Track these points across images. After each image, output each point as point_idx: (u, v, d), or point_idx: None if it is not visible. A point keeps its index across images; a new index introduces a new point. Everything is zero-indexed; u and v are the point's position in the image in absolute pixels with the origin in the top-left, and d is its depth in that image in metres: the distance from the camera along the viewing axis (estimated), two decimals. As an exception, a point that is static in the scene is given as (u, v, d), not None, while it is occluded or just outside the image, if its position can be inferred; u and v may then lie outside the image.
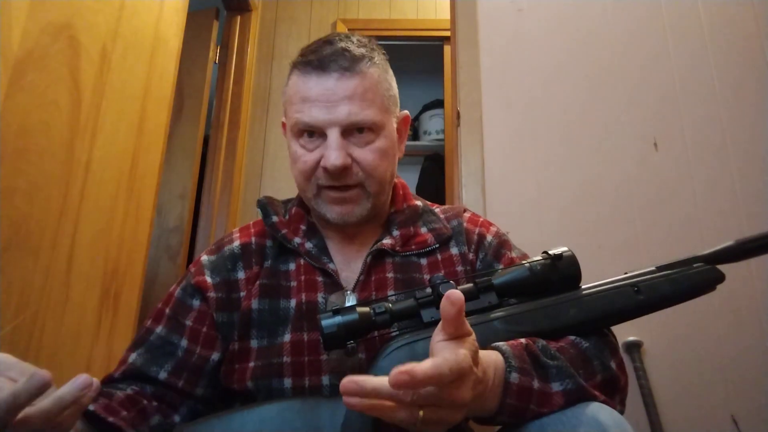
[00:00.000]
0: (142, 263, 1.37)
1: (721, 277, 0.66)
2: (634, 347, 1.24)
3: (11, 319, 0.92)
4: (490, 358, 0.56)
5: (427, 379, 0.44)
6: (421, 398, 0.46)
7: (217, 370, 0.75)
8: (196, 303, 0.76)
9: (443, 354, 0.47)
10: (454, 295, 0.48)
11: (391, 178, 0.81)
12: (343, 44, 0.75)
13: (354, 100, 0.73)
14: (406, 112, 0.86)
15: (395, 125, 0.81)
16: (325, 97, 0.73)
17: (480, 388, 0.52)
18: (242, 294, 0.77)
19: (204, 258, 0.81)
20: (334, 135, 0.73)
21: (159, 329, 0.76)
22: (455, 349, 0.48)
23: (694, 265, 0.66)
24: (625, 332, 1.25)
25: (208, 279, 0.77)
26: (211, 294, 0.76)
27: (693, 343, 1.25)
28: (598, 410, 0.55)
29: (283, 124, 0.86)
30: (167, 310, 0.77)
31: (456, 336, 0.50)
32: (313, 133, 0.74)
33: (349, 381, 0.45)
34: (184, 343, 0.74)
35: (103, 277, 1.21)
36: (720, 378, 1.22)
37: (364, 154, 0.74)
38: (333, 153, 0.72)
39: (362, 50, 0.76)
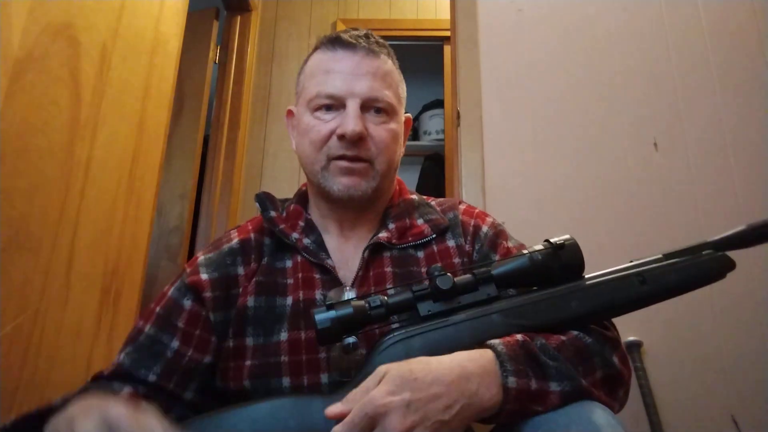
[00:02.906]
0: (142, 263, 1.37)
1: (731, 265, 0.62)
2: (634, 347, 1.24)
3: (11, 319, 0.92)
4: (478, 362, 0.55)
5: None
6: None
7: (208, 373, 0.73)
8: (187, 303, 0.74)
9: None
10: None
11: (396, 166, 0.83)
12: (367, 33, 0.82)
13: (376, 78, 0.78)
14: (409, 114, 0.88)
15: (402, 120, 0.85)
16: (350, 70, 0.77)
17: (426, 405, 0.52)
18: (240, 290, 0.76)
19: (201, 257, 0.79)
20: (353, 105, 0.75)
21: (148, 328, 0.73)
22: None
23: (703, 253, 0.63)
24: (625, 332, 1.24)
25: (204, 276, 0.75)
26: (207, 294, 0.74)
27: (693, 344, 1.25)
28: (592, 410, 0.54)
29: (289, 112, 0.86)
30: (158, 309, 0.75)
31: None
32: (331, 107, 0.77)
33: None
34: (174, 344, 0.72)
35: (103, 277, 1.20)
36: (720, 378, 1.22)
37: (379, 131, 0.77)
38: (352, 120, 0.74)
39: (383, 43, 0.83)
